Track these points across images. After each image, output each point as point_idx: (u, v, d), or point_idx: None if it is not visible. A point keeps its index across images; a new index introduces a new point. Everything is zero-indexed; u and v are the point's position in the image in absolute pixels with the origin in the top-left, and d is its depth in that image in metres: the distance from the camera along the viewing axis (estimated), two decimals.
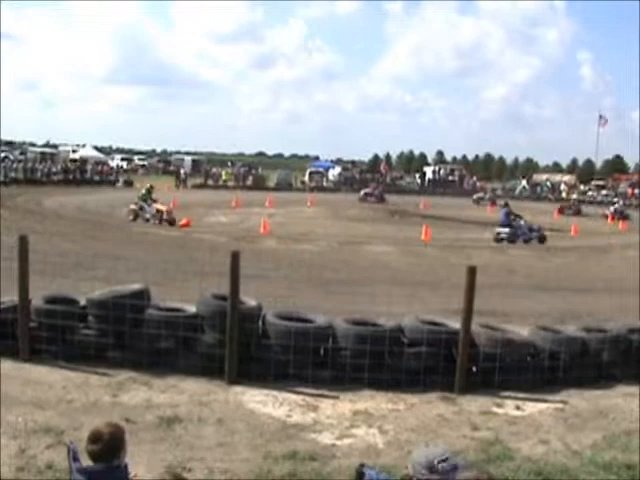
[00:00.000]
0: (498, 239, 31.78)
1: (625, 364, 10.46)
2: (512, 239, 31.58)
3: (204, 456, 6.86)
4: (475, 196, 67.08)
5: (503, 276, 20.47)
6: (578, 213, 55.78)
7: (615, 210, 54.49)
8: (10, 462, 6.40)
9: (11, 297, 9.89)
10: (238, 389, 8.99)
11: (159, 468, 6.36)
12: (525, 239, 31.84)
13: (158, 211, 31.32)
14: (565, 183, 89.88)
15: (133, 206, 32.08)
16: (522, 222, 32.60)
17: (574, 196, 69.11)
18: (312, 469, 6.69)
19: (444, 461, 4.17)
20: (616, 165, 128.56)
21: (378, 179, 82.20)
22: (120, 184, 65.28)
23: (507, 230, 31.84)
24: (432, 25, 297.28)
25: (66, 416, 7.67)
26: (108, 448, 4.22)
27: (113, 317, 9.45)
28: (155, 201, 32.09)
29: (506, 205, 33.90)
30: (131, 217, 31.70)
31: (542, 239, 32.24)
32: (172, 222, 30.82)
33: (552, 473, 6.90)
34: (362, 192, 60.53)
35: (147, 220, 31.10)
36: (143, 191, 32.50)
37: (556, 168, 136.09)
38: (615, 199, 68.46)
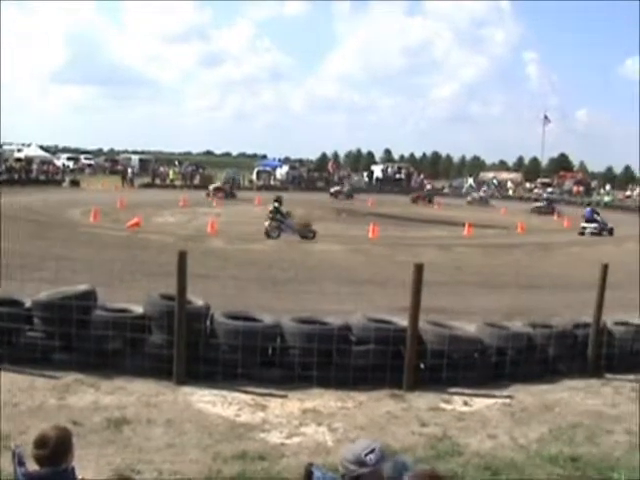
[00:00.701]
0: (583, 233, 38.23)
1: (570, 359, 10.66)
2: (598, 232, 38.04)
3: (153, 458, 6.83)
4: (332, 190, 67.07)
5: (450, 273, 20.62)
6: (430, 202, 62.19)
7: (481, 198, 67.36)
8: None
9: None
10: (187, 389, 8.95)
11: (107, 471, 6.32)
12: (604, 232, 38.50)
13: (305, 225, 30.08)
14: (511, 181, 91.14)
15: (268, 222, 29.67)
16: (599, 219, 39.54)
17: (428, 187, 73.74)
18: (261, 469, 6.70)
19: (371, 452, 4.20)
20: (561, 163, 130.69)
21: (326, 178, 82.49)
22: (66, 184, 64.32)
23: (593, 225, 38.60)
24: (380, 25, 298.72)
25: (11, 420, 7.55)
26: (54, 452, 4.19)
27: (59, 319, 9.35)
28: (289, 214, 30.34)
29: (589, 204, 43.77)
30: (275, 234, 29.29)
31: (611, 231, 38.89)
32: (314, 235, 29.61)
33: (500, 467, 7.00)
34: (211, 187, 59.31)
35: (277, 234, 29.43)
36: (276, 204, 30.04)
37: (502, 166, 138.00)
38: (484, 188, 76.85)
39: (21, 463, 4.28)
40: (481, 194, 71.39)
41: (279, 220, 29.62)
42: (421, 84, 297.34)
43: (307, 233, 29.51)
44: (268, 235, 29.13)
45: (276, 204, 29.98)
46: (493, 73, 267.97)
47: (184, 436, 7.48)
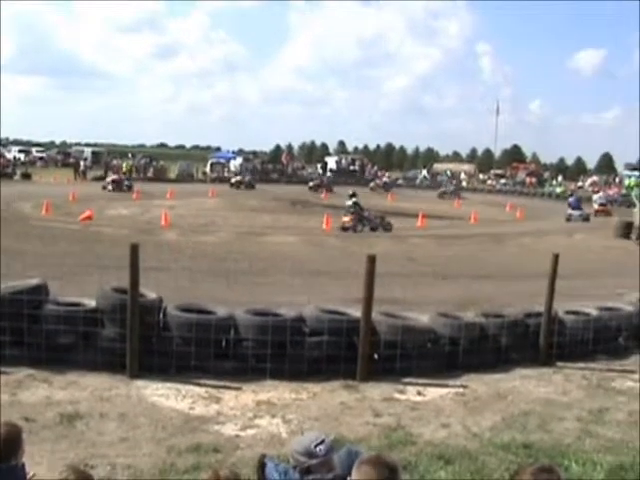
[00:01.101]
0: (570, 219, 40.94)
1: (522, 348, 10.78)
2: (585, 218, 40.82)
3: (106, 452, 6.80)
4: (233, 180, 66.90)
5: (403, 264, 20.70)
6: (330, 191, 61.36)
7: (385, 184, 70.31)
8: None
9: None
10: (140, 383, 8.92)
11: (60, 466, 6.22)
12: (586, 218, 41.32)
13: (382, 218, 30.88)
14: (465, 172, 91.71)
15: (349, 217, 30.33)
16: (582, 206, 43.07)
17: (385, 178, 76.53)
18: (216, 461, 6.69)
19: (321, 443, 4.24)
20: (514, 154, 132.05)
21: (280, 169, 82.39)
22: (17, 177, 63.40)
23: (579, 212, 41.45)
24: (335, 16, 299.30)
25: None
26: (4, 448, 4.16)
27: (10, 313, 9.25)
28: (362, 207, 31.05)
29: (572, 194, 47.44)
30: (359, 228, 30.03)
31: (588, 218, 41.22)
32: (391, 227, 30.48)
33: (453, 456, 7.04)
34: (108, 179, 54.72)
35: (366, 228, 30.27)
36: (354, 199, 30.78)
37: (456, 157, 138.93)
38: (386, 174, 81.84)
39: None
40: (385, 180, 74.63)
41: (360, 214, 30.23)
42: (375, 76, 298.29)
43: (386, 225, 30.44)
44: (347, 229, 29.72)
45: (354, 199, 30.65)
46: (447, 65, 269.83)
47: (138, 430, 7.45)
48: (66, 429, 7.36)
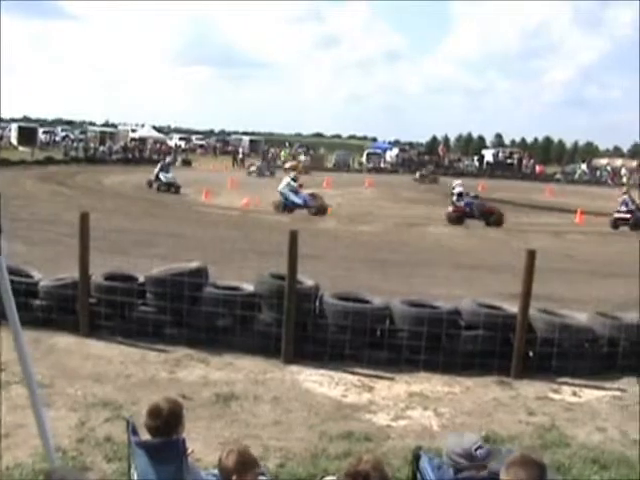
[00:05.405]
0: None
1: None
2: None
3: (259, 434, 6.91)
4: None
5: (562, 261, 20.18)
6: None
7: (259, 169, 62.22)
8: (70, 434, 6.53)
9: (71, 273, 10.02)
10: (294, 368, 9.03)
11: (215, 444, 6.41)
12: None
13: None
14: (626, 168, 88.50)
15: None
16: None
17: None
18: (367, 449, 6.68)
19: (480, 448, 4.19)
20: None
21: (436, 161, 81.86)
22: (178, 163, 65.21)
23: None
24: (498, 5, 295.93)
25: (124, 391, 7.79)
26: (167, 423, 4.27)
27: (171, 294, 9.55)
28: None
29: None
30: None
31: None
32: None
33: (609, 461, 6.78)
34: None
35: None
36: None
37: (617, 152, 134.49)
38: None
39: (134, 432, 4.38)
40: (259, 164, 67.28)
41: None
42: (537, 67, 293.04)
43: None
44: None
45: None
46: (613, 56, 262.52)
47: (290, 414, 7.55)
48: (221, 409, 7.53)
